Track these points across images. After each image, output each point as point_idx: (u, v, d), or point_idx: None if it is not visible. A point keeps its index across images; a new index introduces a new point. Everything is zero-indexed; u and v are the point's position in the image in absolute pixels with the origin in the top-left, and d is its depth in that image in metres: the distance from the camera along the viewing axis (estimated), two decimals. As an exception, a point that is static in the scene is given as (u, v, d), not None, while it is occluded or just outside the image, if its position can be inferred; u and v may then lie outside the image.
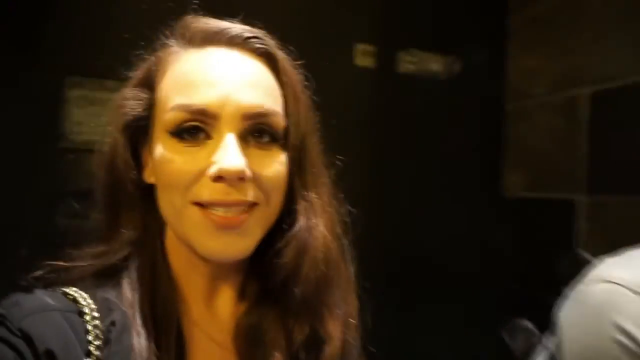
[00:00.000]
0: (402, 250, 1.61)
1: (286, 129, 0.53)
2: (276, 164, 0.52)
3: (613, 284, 0.73)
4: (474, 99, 1.75)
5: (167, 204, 0.52)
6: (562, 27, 1.64)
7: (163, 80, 0.53)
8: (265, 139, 0.52)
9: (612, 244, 1.29)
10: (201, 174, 0.49)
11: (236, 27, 0.54)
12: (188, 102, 0.50)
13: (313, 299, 0.55)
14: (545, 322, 0.84)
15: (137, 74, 0.58)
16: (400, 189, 1.66)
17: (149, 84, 0.55)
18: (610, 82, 1.48)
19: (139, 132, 0.55)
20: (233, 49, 0.53)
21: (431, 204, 1.69)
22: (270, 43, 0.55)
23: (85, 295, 0.50)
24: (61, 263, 0.54)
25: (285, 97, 0.54)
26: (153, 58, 0.57)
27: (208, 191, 0.49)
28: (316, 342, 0.56)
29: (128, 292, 0.52)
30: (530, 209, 1.69)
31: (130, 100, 0.55)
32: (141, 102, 0.54)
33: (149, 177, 0.56)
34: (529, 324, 0.95)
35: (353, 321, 0.59)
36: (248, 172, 0.49)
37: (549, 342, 0.85)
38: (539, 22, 1.73)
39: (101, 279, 0.53)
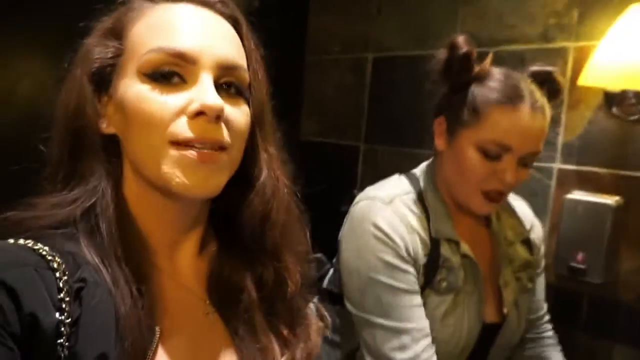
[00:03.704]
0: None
1: (250, 86, 0.58)
2: (243, 114, 0.56)
3: (370, 200, 1.01)
4: (277, 51, 1.89)
5: (143, 145, 0.52)
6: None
7: (134, 29, 0.55)
8: (232, 90, 0.56)
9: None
10: (180, 112, 0.51)
11: None
12: (168, 44, 0.52)
13: (278, 242, 0.61)
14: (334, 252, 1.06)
15: (104, 24, 0.58)
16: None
17: (117, 33, 0.56)
18: (387, 52, 1.79)
19: (102, 80, 0.56)
20: (204, 7, 0.56)
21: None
22: (235, 9, 0.59)
23: (50, 249, 0.49)
24: (25, 213, 0.52)
25: (247, 58, 0.58)
26: (120, 9, 0.58)
27: (187, 128, 0.51)
28: (279, 281, 0.62)
29: (93, 245, 0.52)
30: (323, 152, 1.97)
31: (97, 47, 0.55)
32: (109, 50, 0.55)
33: (107, 128, 0.56)
34: (321, 255, 1.17)
35: (309, 258, 0.66)
36: (225, 111, 0.52)
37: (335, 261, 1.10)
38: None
39: (59, 232, 0.52)
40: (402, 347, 0.92)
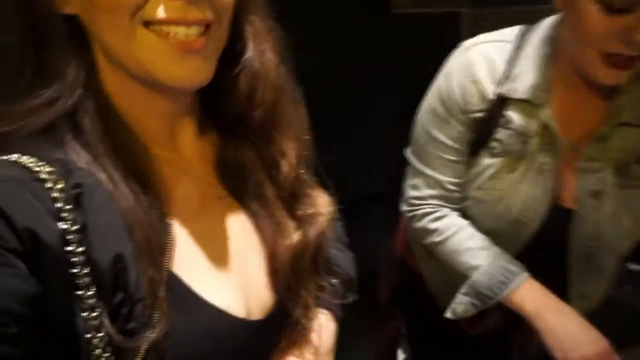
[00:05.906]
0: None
1: None
2: None
3: (459, 46, 0.95)
4: None
5: (111, 29, 0.45)
6: None
7: None
8: None
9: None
10: None
11: None
12: None
13: (269, 121, 0.57)
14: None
15: None
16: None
17: None
18: None
19: None
20: None
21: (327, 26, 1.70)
22: None
23: (35, 160, 0.44)
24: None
25: None
26: None
27: (164, 8, 0.44)
28: (275, 163, 0.59)
29: (81, 147, 0.47)
30: (419, 23, 1.81)
31: None
32: None
33: (65, 7, 0.47)
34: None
35: (305, 137, 0.62)
36: None
37: None
38: None
39: (41, 139, 0.47)
40: (415, 187, 1.01)
